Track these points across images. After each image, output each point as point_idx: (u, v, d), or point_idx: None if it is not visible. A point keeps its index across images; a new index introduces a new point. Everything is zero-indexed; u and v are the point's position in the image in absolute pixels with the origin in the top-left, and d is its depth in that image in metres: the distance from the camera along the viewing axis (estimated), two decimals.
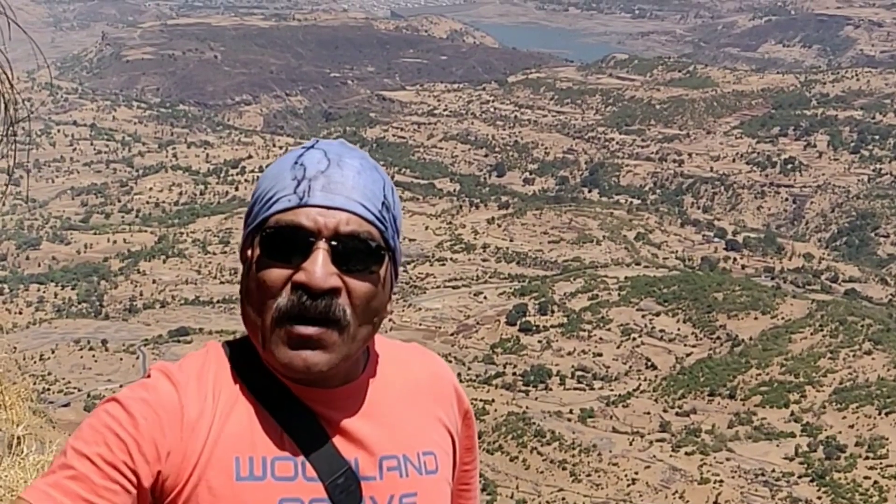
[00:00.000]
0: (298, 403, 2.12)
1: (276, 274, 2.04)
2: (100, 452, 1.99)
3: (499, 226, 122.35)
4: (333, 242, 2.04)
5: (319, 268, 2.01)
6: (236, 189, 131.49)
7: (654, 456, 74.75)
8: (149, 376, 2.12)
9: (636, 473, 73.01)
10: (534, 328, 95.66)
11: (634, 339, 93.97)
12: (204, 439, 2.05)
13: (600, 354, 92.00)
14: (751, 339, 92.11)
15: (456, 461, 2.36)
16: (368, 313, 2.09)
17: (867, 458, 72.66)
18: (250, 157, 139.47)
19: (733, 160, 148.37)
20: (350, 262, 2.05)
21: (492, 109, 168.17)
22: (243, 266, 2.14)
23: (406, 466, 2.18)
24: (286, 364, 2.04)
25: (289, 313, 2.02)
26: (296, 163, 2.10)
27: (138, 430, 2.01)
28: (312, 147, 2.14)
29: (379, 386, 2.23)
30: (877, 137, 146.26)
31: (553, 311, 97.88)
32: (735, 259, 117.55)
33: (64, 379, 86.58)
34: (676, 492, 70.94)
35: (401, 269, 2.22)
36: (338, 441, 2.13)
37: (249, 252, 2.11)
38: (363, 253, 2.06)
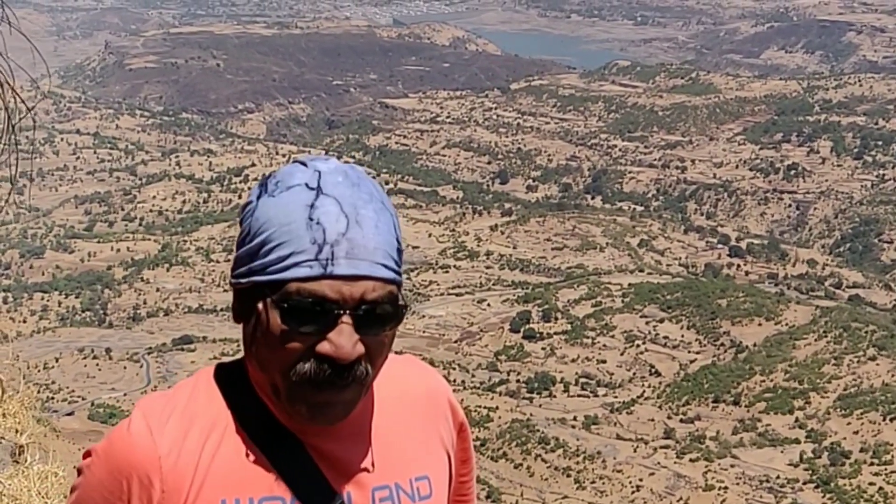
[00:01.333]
0: (289, 436, 2.07)
1: (298, 343, 1.98)
2: None
3: (502, 233, 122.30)
4: (358, 312, 1.98)
5: (346, 340, 1.96)
6: (240, 197, 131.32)
7: (659, 463, 74.70)
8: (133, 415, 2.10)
9: (640, 480, 72.96)
10: (537, 335, 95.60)
11: (638, 345, 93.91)
12: (189, 481, 2.02)
13: (604, 361, 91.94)
14: (755, 345, 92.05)
15: (452, 475, 2.33)
16: (385, 357, 2.08)
17: (872, 464, 72.62)
18: (253, 164, 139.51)
19: (736, 166, 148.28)
20: (373, 328, 2.01)
21: (494, 117, 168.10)
22: (240, 298, 2.09)
23: (399, 496, 2.14)
24: (308, 420, 2.02)
25: (313, 381, 1.98)
26: (311, 218, 1.99)
27: (121, 490, 2.01)
28: (320, 192, 2.02)
29: (375, 409, 2.19)
30: (880, 143, 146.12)
31: (557, 318, 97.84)
32: (739, 265, 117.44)
33: (68, 388, 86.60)
34: (681, 499, 70.91)
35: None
36: (329, 474, 2.08)
37: (261, 307, 2.01)
38: (386, 317, 2.02)
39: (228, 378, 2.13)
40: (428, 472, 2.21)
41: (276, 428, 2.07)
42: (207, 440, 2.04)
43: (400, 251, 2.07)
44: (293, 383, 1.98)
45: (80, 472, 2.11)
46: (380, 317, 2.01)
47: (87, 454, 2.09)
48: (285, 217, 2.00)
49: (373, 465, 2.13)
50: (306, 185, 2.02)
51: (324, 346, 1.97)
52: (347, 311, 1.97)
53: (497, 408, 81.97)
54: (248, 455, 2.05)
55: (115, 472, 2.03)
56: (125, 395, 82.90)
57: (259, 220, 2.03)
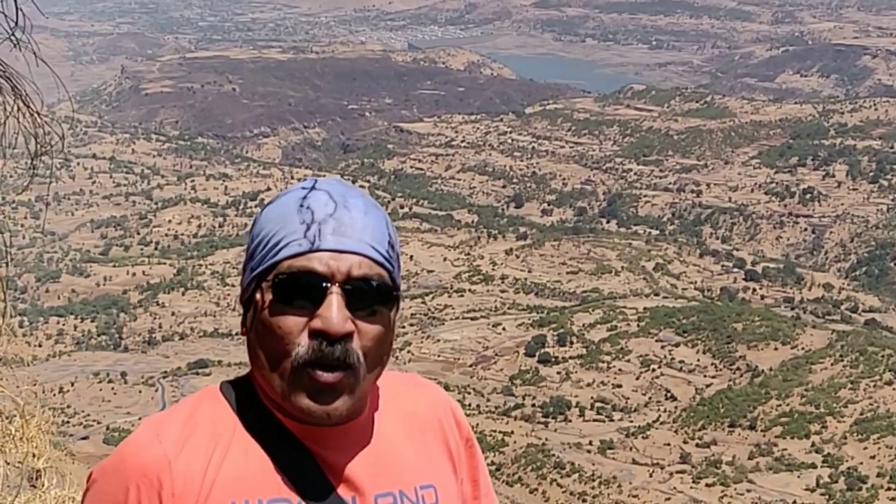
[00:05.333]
0: (296, 443, 2.11)
1: (293, 321, 2.04)
2: None
3: (517, 257, 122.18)
4: (347, 286, 2.04)
5: (336, 313, 2.01)
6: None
7: (675, 487, 74.33)
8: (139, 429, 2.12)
9: None
10: (553, 359, 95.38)
11: (654, 370, 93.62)
12: (199, 485, 2.04)
13: (620, 385, 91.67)
14: (771, 369, 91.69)
15: (460, 489, 2.32)
16: (379, 355, 2.10)
17: (889, 488, 72.12)
18: (269, 189, 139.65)
19: (752, 190, 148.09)
20: (363, 305, 2.05)
21: (509, 140, 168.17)
22: (246, 310, 2.14)
23: (402, 503, 2.16)
24: (308, 412, 2.05)
25: (309, 361, 2.02)
26: (301, 205, 2.09)
27: (127, 497, 2.03)
28: (314, 188, 2.12)
29: (377, 421, 2.21)
30: (895, 167, 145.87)
31: (572, 343, 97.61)
32: (754, 289, 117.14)
33: (83, 412, 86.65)
34: None
35: (401, 304, 2.19)
36: (335, 480, 2.12)
37: (258, 296, 2.09)
38: (375, 295, 2.07)
39: (234, 390, 2.17)
40: (433, 482, 2.22)
41: (282, 433, 2.11)
42: (216, 446, 2.08)
43: (393, 247, 2.13)
44: (293, 368, 2.03)
45: (85, 493, 2.12)
46: (369, 294, 2.06)
47: (91, 475, 2.11)
48: (280, 213, 2.11)
49: (376, 473, 2.15)
50: (302, 187, 2.14)
51: (316, 323, 2.02)
52: (336, 284, 2.03)
53: (512, 432, 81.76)
54: (257, 460, 2.09)
55: (124, 480, 2.04)
56: (140, 419, 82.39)
57: (258, 225, 2.14)
